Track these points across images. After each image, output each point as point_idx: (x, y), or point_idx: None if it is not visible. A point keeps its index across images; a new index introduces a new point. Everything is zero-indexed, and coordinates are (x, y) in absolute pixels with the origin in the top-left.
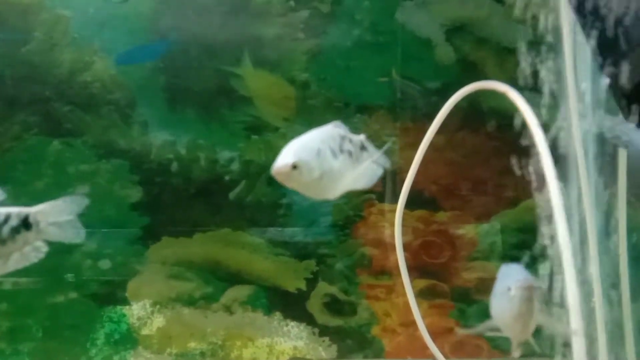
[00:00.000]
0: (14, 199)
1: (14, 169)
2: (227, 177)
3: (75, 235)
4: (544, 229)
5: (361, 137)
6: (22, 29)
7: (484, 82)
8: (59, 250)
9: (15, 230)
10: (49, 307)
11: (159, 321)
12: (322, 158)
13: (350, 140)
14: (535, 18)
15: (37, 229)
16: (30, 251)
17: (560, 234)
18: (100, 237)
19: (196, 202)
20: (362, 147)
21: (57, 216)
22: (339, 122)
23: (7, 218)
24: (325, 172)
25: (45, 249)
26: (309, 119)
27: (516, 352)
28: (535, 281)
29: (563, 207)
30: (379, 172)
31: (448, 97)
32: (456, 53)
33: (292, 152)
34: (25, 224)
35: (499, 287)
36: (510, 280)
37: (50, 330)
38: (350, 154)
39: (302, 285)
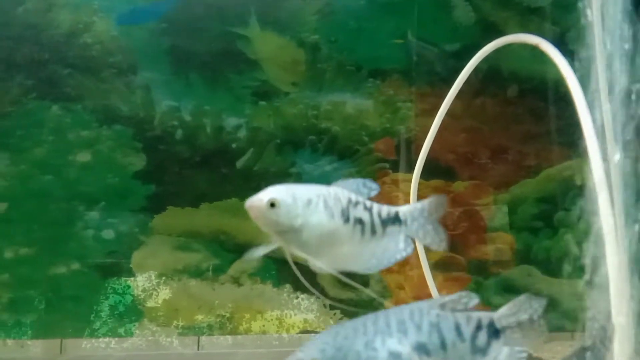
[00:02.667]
0: (14, 167)
1: (12, 135)
2: (234, 145)
3: None
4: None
5: (399, 209)
6: None
7: (514, 35)
8: (60, 220)
9: None
10: (51, 278)
11: (164, 293)
12: (311, 208)
13: (368, 208)
14: None
15: None
16: None
17: (601, 204)
18: (103, 206)
19: (202, 170)
20: (393, 220)
21: None
22: (367, 180)
23: None
24: (310, 225)
25: None
26: (319, 83)
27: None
28: None
29: (604, 172)
30: (402, 255)
31: (467, 61)
32: (476, 13)
33: (275, 190)
34: None
35: None
36: None
37: (53, 302)
38: (360, 222)
39: None
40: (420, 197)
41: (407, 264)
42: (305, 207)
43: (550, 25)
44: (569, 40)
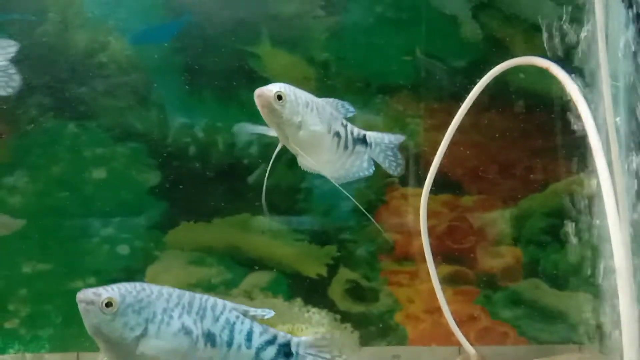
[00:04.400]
0: (32, 184)
1: (30, 153)
2: (245, 161)
3: (3, 83)
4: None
5: (366, 132)
6: (36, 9)
7: (525, 57)
8: (76, 236)
9: None
10: (67, 293)
11: None
12: (308, 110)
13: (344, 125)
14: None
15: None
16: None
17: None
18: (118, 222)
19: (214, 186)
20: (362, 141)
21: None
22: (345, 102)
23: None
24: (306, 125)
25: None
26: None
27: None
28: None
29: (612, 188)
30: (365, 173)
31: (474, 76)
32: (482, 30)
33: (282, 85)
34: None
35: None
36: None
37: (69, 316)
38: (338, 135)
39: (323, 271)
40: (430, 212)
41: (417, 277)
42: (304, 107)
43: (556, 41)
44: (574, 56)
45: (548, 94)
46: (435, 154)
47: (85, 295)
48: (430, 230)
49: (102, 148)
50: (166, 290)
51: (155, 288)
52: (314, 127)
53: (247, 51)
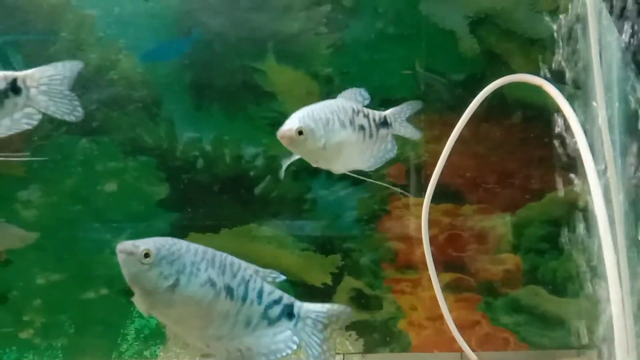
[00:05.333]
0: (46, 197)
1: (44, 167)
2: (252, 173)
3: (69, 109)
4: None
5: (385, 113)
6: (49, 29)
7: (520, 75)
8: (88, 247)
9: (3, 94)
10: (80, 304)
11: None
12: (329, 128)
13: (366, 115)
14: (560, 9)
15: (26, 94)
16: (20, 117)
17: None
18: (129, 233)
19: (222, 197)
20: (383, 124)
21: (47, 83)
22: (361, 90)
23: None
24: (330, 143)
25: (38, 116)
26: None
27: None
28: None
29: (603, 201)
30: (390, 155)
31: (473, 89)
32: (480, 45)
33: (299, 118)
34: (14, 88)
35: None
36: None
37: (83, 326)
38: (362, 128)
39: (328, 280)
40: (431, 221)
41: (419, 285)
42: (326, 126)
43: (551, 55)
44: (569, 69)
45: (544, 105)
46: (435, 164)
47: (124, 246)
48: (432, 239)
49: (113, 162)
50: (193, 246)
51: (184, 243)
52: (338, 139)
53: (253, 67)
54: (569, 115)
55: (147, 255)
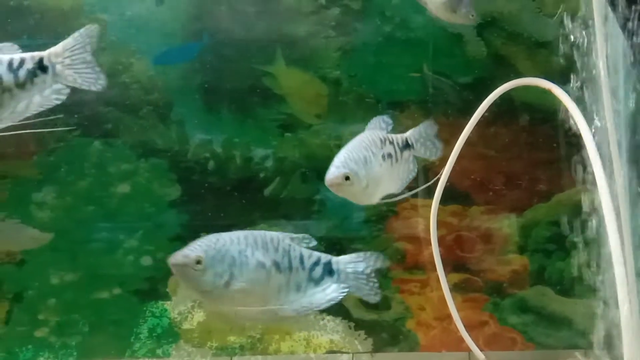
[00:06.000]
0: (60, 199)
1: (58, 169)
2: (261, 175)
3: (94, 79)
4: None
5: (406, 135)
6: (62, 33)
7: (530, 78)
8: (102, 248)
9: (32, 74)
10: (94, 303)
11: (199, 316)
12: (368, 166)
13: (391, 142)
14: (566, 11)
15: (53, 71)
16: (50, 94)
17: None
18: (141, 234)
19: (232, 199)
20: (406, 146)
21: (70, 55)
22: (384, 117)
23: (22, 62)
24: (371, 180)
25: (66, 91)
26: (341, 115)
27: None
28: None
29: (612, 207)
30: (412, 175)
31: (480, 92)
32: (487, 48)
33: (343, 163)
34: (41, 66)
35: None
36: None
37: (96, 325)
38: (390, 156)
39: None
40: (439, 222)
41: (427, 285)
42: (365, 166)
43: (557, 57)
44: (576, 71)
45: (552, 107)
46: (443, 166)
47: (176, 259)
48: (440, 240)
49: (126, 164)
50: (234, 235)
51: (225, 236)
52: (377, 175)
53: (263, 70)
54: (578, 118)
55: (199, 261)
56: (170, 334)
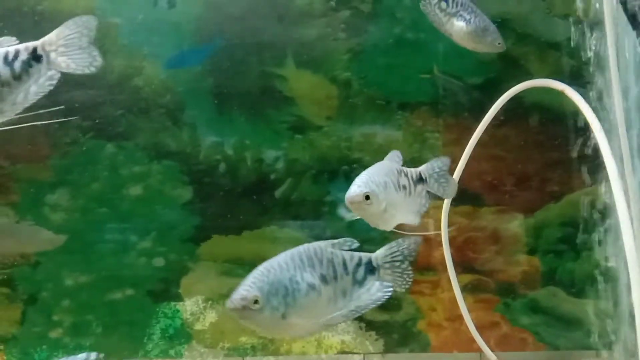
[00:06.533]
0: (73, 201)
1: (71, 172)
2: (272, 176)
3: (89, 62)
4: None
5: (420, 169)
6: None
7: (543, 80)
8: (115, 249)
9: (27, 64)
10: (107, 304)
11: (211, 316)
12: (387, 191)
13: (406, 174)
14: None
15: (47, 60)
16: (44, 81)
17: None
18: (154, 236)
19: (244, 200)
20: (419, 179)
21: (64, 43)
22: (397, 152)
23: (17, 53)
24: (389, 205)
25: (57, 75)
26: (351, 117)
27: None
28: None
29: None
30: (424, 208)
31: (490, 93)
32: None
33: (364, 183)
34: (35, 56)
35: None
36: None
37: (110, 326)
38: (405, 188)
39: None
40: (450, 223)
41: (438, 286)
42: (384, 190)
43: (568, 58)
44: (586, 72)
45: (562, 107)
46: (454, 167)
47: (234, 304)
48: (451, 241)
49: (138, 166)
50: (281, 260)
51: (274, 264)
52: (394, 201)
53: (274, 73)
54: (591, 119)
55: (256, 302)
56: (182, 334)
